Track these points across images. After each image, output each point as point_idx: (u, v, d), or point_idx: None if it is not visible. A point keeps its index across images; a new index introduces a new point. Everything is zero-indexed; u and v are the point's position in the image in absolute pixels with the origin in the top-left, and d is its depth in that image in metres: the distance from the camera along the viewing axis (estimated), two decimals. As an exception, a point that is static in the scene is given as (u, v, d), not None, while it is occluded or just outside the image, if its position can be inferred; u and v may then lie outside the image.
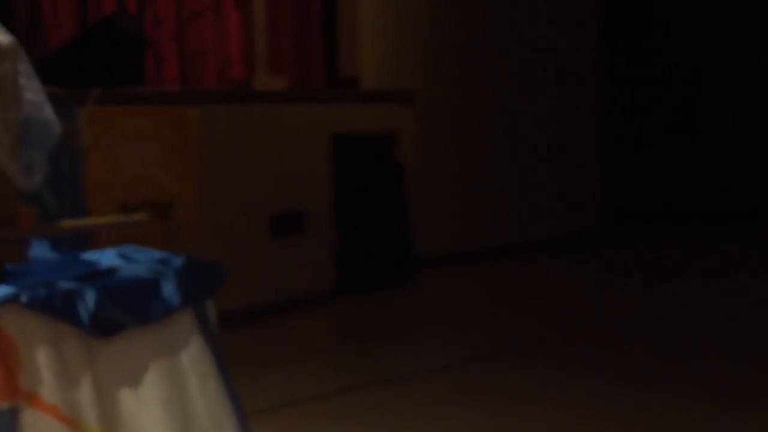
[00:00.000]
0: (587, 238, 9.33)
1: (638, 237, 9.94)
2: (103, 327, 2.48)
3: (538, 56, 8.99)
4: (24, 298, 2.38)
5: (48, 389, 2.39)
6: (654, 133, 10.58)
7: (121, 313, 2.51)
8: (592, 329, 6.07)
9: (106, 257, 2.77)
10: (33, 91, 2.95)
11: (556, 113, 9.16)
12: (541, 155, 9.04)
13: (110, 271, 2.61)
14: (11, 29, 3.23)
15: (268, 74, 7.10)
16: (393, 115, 7.46)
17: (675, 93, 10.50)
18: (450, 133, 8.38)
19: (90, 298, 2.46)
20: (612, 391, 4.75)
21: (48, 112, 2.88)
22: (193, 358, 2.66)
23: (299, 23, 7.83)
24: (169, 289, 2.61)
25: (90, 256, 2.81)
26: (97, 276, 2.57)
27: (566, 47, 9.24)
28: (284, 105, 6.79)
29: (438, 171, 8.22)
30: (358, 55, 7.84)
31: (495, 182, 8.69)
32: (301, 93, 7.31)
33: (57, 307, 2.42)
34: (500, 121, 8.72)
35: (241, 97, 6.67)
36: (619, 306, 6.81)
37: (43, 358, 2.39)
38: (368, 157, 7.40)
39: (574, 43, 9.33)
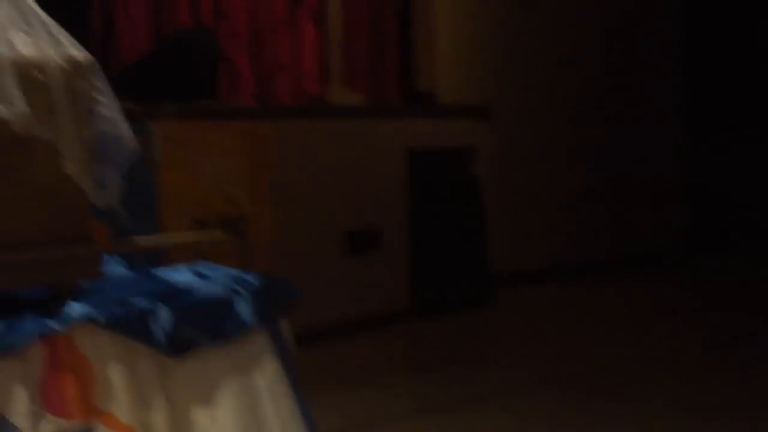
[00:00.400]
0: (667, 258, 9.20)
1: (721, 258, 9.73)
2: (177, 346, 2.47)
3: (618, 68, 8.91)
4: (98, 317, 2.38)
5: (122, 409, 2.38)
6: (742, 147, 10.38)
7: (195, 332, 2.50)
8: (670, 354, 5.97)
9: (181, 275, 2.76)
10: (108, 107, 2.96)
11: (636, 128, 9.06)
12: (620, 171, 8.95)
13: (185, 290, 2.61)
14: (86, 45, 3.25)
15: (344, 89, 7.10)
16: (469, 129, 7.43)
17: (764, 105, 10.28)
18: (527, 148, 8.32)
19: (164, 316, 2.46)
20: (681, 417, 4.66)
21: (123, 127, 2.89)
22: (268, 378, 2.65)
23: (375, 38, 7.82)
24: (243, 308, 2.60)
25: (164, 273, 2.81)
26: (172, 294, 2.56)
27: (647, 58, 9.15)
28: (359, 120, 6.78)
29: (515, 186, 8.17)
30: (434, 70, 7.82)
31: (573, 198, 8.61)
32: (376, 108, 7.30)
33: (131, 326, 2.41)
34: (579, 135, 8.64)
35: (316, 113, 6.68)
36: (694, 331, 6.68)
37: (117, 378, 2.39)
38: (444, 173, 7.37)
39: (655, 55, 9.23)
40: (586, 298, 7.84)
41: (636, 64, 9.07)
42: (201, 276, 2.74)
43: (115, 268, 2.90)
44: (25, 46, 2.79)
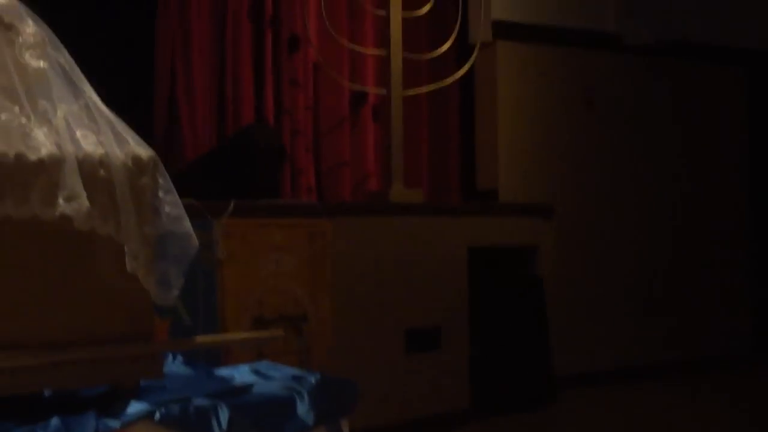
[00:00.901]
0: (735, 361, 9.06)
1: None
2: (236, 446, 2.46)
3: (681, 167, 8.88)
4: (158, 415, 2.39)
5: None
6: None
7: (255, 431, 2.49)
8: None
9: (241, 373, 2.77)
10: (171, 205, 2.99)
11: (699, 227, 9.00)
12: (683, 272, 8.87)
13: (244, 389, 2.61)
14: (150, 141, 3.30)
15: (405, 186, 7.13)
16: (531, 227, 7.41)
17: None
18: (590, 247, 8.29)
19: (224, 415, 2.45)
20: None
21: (186, 225, 2.92)
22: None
23: (436, 136, 7.88)
24: (303, 408, 2.59)
25: (224, 371, 2.81)
26: (232, 393, 2.56)
27: (711, 159, 9.11)
28: (420, 218, 6.79)
29: (577, 286, 8.12)
30: (496, 168, 7.85)
31: (635, 298, 8.54)
32: (437, 205, 7.32)
33: (191, 425, 2.41)
34: (640, 234, 8.60)
35: (377, 210, 6.70)
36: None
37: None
38: (505, 271, 7.34)
39: (720, 157, 9.20)
40: (650, 402, 7.73)
41: (701, 160, 9.04)
42: (261, 375, 2.74)
43: (176, 366, 2.91)
44: (90, 144, 2.84)
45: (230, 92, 6.96)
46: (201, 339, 2.79)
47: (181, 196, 3.22)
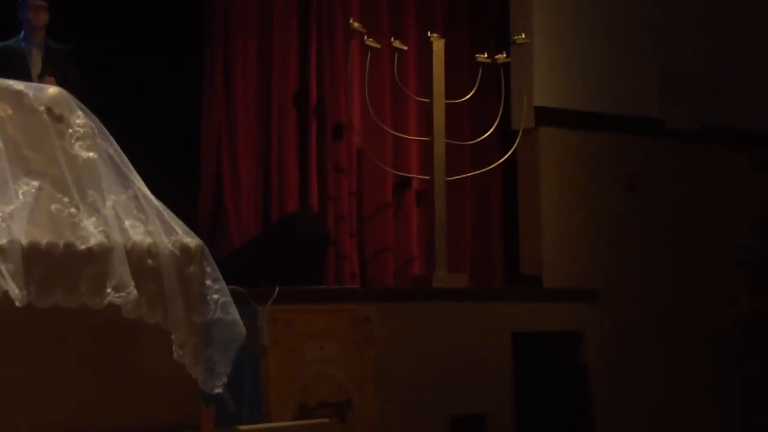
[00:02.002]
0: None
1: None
2: None
3: (727, 251, 8.81)
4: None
5: None
6: None
7: None
8: None
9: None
10: (219, 292, 3.03)
11: (749, 314, 8.89)
12: (731, 358, 8.75)
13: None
14: (196, 228, 3.33)
15: (448, 271, 7.13)
16: (576, 313, 7.37)
17: None
18: (637, 333, 8.19)
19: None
20: None
21: (233, 313, 2.95)
22: None
23: (480, 220, 7.89)
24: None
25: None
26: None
27: (757, 242, 9.04)
28: (464, 303, 6.78)
29: (623, 373, 8.02)
30: (540, 252, 7.82)
31: (682, 384, 8.43)
32: (481, 291, 7.30)
33: None
34: (688, 320, 8.50)
35: (421, 295, 6.70)
36: None
37: None
38: (550, 357, 7.29)
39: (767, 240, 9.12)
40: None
41: (746, 249, 8.96)
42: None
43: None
44: (138, 233, 2.88)
45: (275, 179, 7.02)
46: (246, 429, 2.79)
47: (227, 282, 3.25)
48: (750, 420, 8.66)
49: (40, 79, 6.11)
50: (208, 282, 2.96)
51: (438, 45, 7.25)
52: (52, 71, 6.20)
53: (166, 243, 2.92)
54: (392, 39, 7.28)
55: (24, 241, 2.81)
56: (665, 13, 8.50)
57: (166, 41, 6.76)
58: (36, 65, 6.32)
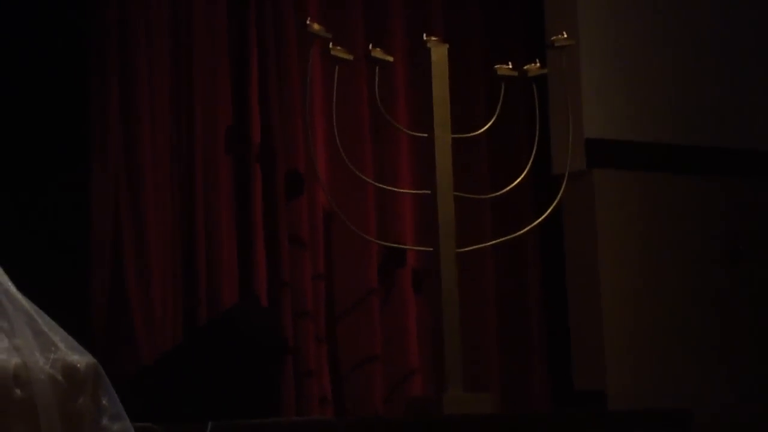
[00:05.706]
0: None
1: None
2: None
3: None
4: None
5: None
6: None
7: None
8: None
9: None
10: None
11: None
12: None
13: None
14: (86, 339, 3.30)
15: (466, 390, 7.14)
16: None
17: None
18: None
19: None
20: None
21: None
22: None
23: (511, 311, 7.94)
24: None
25: None
26: None
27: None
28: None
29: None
30: (602, 359, 7.86)
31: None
32: (516, 417, 7.35)
33: None
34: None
35: (426, 426, 6.72)
36: None
37: None
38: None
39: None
40: None
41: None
42: None
43: None
44: (4, 352, 2.87)
45: (203, 256, 6.99)
46: None
47: (134, 418, 3.22)
48: None
49: None
50: (104, 421, 2.97)
51: (439, 53, 7.27)
52: None
53: (41, 364, 2.91)
54: (371, 46, 7.30)
55: None
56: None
57: (34, 66, 6.74)
58: None
